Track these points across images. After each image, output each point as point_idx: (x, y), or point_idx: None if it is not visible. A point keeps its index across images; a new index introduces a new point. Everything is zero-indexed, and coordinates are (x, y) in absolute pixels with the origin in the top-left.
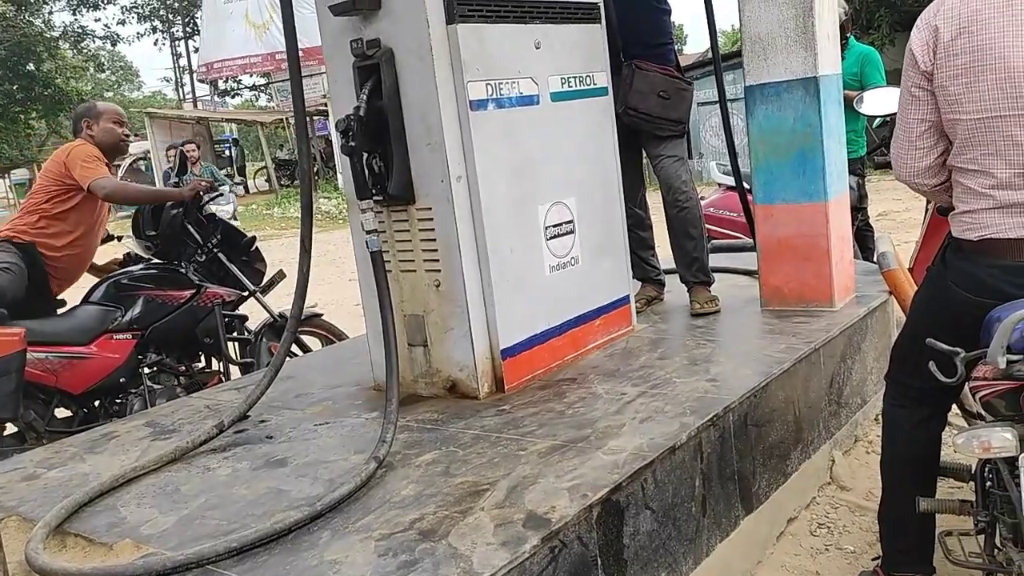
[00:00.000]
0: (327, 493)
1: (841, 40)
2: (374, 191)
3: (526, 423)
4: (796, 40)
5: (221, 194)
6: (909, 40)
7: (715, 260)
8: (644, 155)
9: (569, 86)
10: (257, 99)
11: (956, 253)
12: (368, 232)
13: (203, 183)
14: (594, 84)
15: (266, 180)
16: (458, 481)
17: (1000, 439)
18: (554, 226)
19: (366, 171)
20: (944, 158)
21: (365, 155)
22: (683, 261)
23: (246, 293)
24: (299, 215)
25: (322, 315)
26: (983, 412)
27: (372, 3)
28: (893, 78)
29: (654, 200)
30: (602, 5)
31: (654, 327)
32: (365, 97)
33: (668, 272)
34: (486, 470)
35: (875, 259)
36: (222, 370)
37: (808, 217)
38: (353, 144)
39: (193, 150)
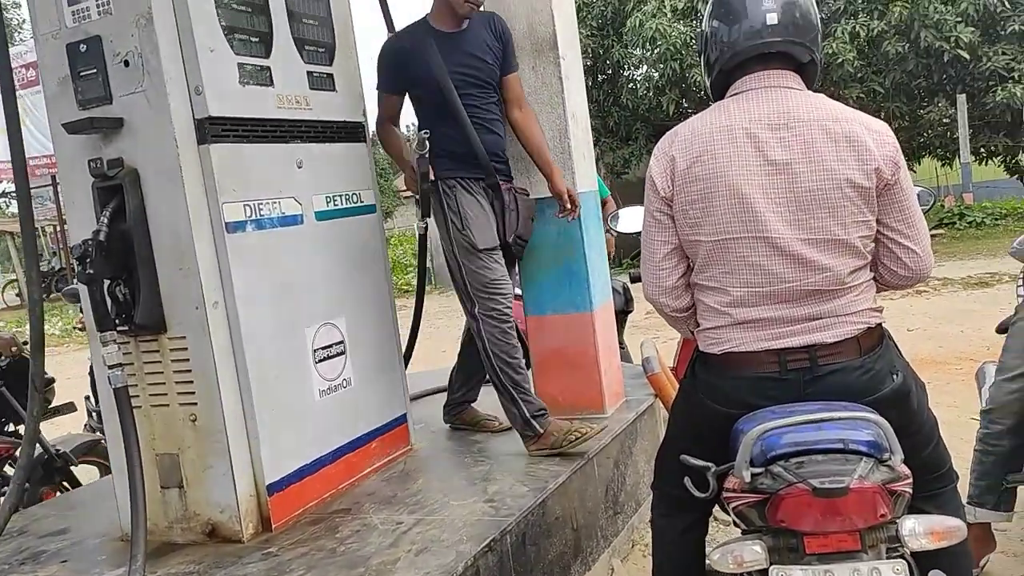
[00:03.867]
0: None
1: None
2: (118, 321)
3: (293, 567)
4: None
5: None
6: (649, 167)
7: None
8: None
9: (335, 204)
10: (8, 206)
11: (703, 366)
12: (111, 367)
13: None
14: (361, 202)
15: (16, 294)
16: None
17: (751, 553)
18: (323, 348)
19: (108, 300)
20: (687, 278)
21: (107, 283)
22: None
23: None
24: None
25: (100, 440)
26: (738, 522)
27: (112, 123)
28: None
29: None
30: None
31: (433, 444)
32: (107, 220)
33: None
34: None
35: (641, 364)
36: None
37: (576, 327)
38: (91, 272)
39: None
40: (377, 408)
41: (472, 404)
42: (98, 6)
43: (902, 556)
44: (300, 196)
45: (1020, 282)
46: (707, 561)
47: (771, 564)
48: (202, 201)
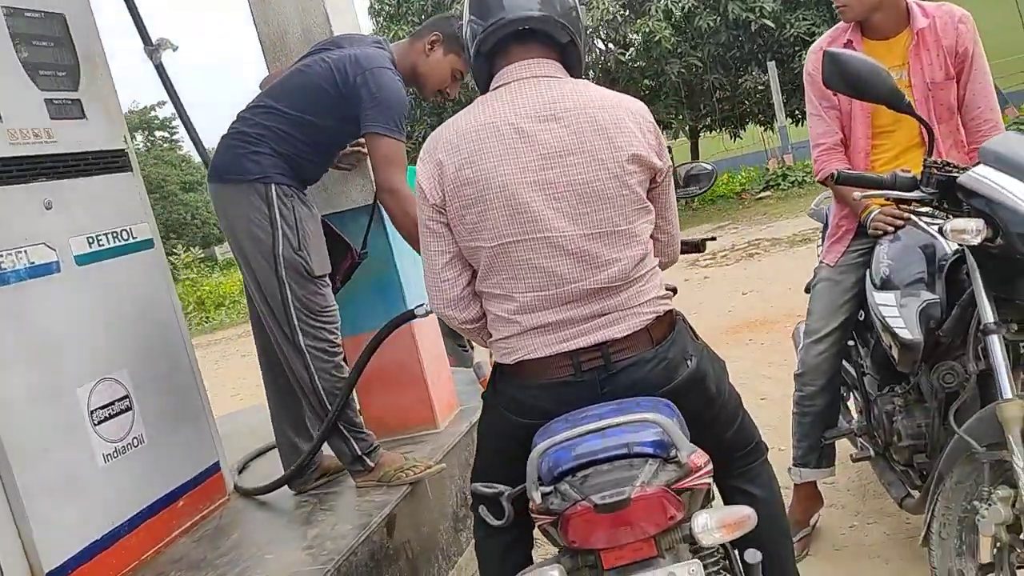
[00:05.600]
0: None
1: None
2: None
3: None
4: (358, 171)
5: None
6: (416, 174)
7: None
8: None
9: (100, 244)
10: None
11: (501, 378)
12: None
13: None
14: (134, 238)
15: None
16: None
17: None
18: (103, 407)
19: None
20: (472, 287)
21: None
22: None
23: None
24: None
25: None
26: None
27: None
28: None
29: None
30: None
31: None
32: None
33: None
34: None
35: (473, 368)
36: None
37: (396, 341)
38: None
39: None
40: (181, 462)
41: (318, 455)
42: None
43: (698, 553)
44: (53, 241)
45: (819, 242)
46: None
47: None
48: None
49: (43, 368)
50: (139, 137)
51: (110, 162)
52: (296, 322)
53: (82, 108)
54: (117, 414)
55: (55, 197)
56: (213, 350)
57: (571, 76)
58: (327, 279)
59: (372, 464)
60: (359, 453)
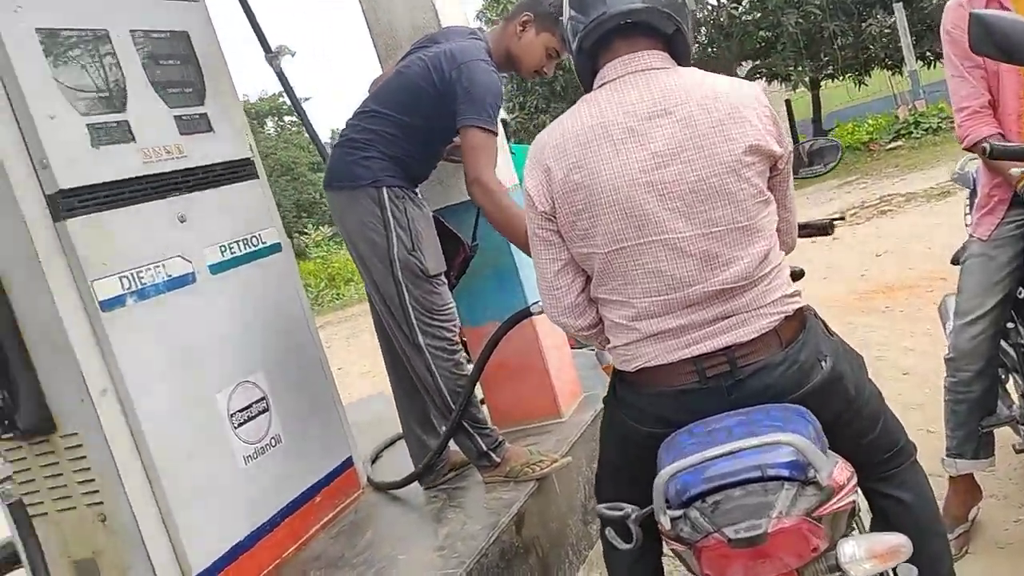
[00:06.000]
0: None
1: None
2: (1, 429)
3: None
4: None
5: None
6: (524, 181)
7: None
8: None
9: (232, 252)
10: None
11: (621, 384)
12: (0, 481)
13: None
14: (262, 243)
15: None
16: None
17: None
18: (242, 410)
19: None
20: (587, 293)
21: None
22: None
23: None
24: None
25: None
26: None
27: None
28: None
29: None
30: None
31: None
32: None
33: None
34: None
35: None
36: None
37: (517, 332)
38: None
39: None
40: (316, 459)
41: (446, 450)
42: None
43: None
44: (188, 253)
45: (966, 210)
46: None
47: None
48: (69, 283)
49: (185, 376)
50: (269, 123)
51: (237, 171)
52: (415, 322)
53: (209, 122)
54: (255, 416)
55: (188, 210)
56: (344, 327)
57: (679, 65)
58: (442, 278)
59: (498, 459)
60: (484, 449)
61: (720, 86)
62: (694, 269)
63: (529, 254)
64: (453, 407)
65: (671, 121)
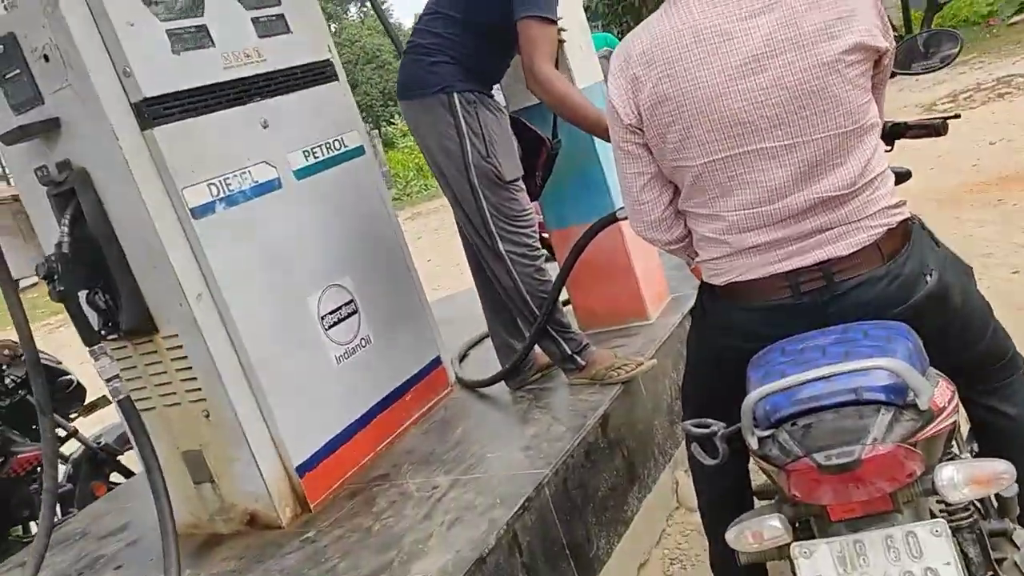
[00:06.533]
0: None
1: None
2: (104, 331)
3: (329, 554)
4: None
5: None
6: (607, 92)
7: None
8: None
9: (316, 157)
10: None
11: (710, 298)
12: (107, 380)
13: None
14: (345, 146)
15: None
16: None
17: (770, 529)
18: (332, 312)
19: (92, 311)
20: (674, 206)
21: (86, 293)
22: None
23: (64, 434)
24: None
25: None
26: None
27: (47, 125)
28: None
29: None
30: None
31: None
32: (67, 229)
33: None
34: None
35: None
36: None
37: (604, 233)
38: (62, 288)
39: None
40: (405, 359)
41: (531, 353)
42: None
43: (945, 510)
44: (272, 158)
45: None
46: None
47: (793, 539)
48: (159, 191)
49: (275, 281)
50: (353, 9)
51: (317, 74)
52: (494, 228)
53: (286, 23)
54: (345, 318)
55: (270, 115)
56: (433, 218)
57: None
58: (520, 183)
59: (583, 362)
60: (569, 352)
61: None
62: (791, 179)
63: (604, 137)
64: (536, 312)
65: (769, 20)
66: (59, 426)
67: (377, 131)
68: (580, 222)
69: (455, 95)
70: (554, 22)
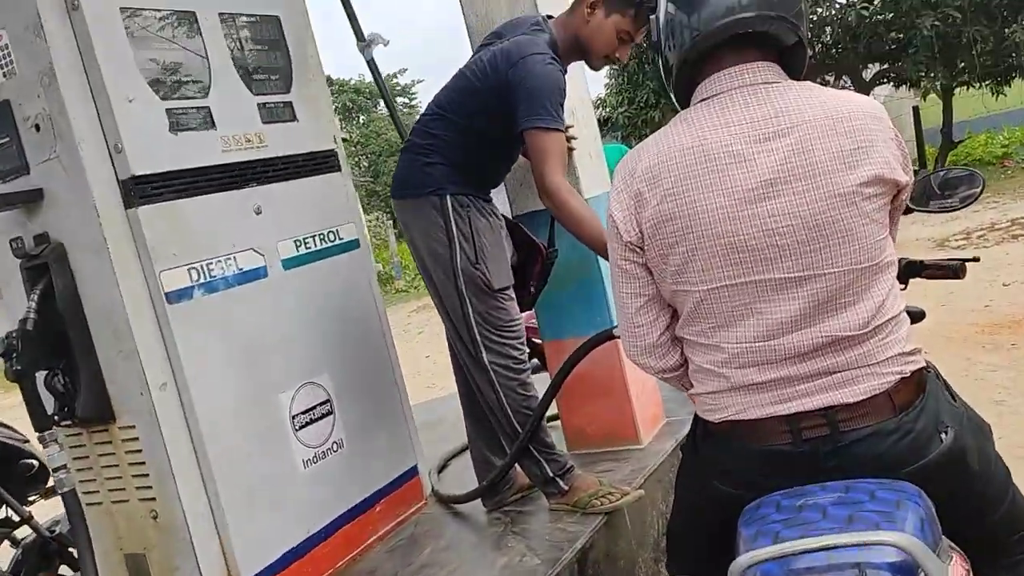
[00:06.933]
0: None
1: None
2: (58, 417)
3: None
4: None
5: None
6: (608, 205)
7: None
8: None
9: (307, 247)
10: None
11: (703, 435)
12: (55, 470)
13: None
14: (340, 239)
15: None
16: None
17: None
18: (305, 412)
19: (48, 394)
20: (671, 331)
21: (45, 375)
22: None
23: (17, 519)
24: None
25: None
26: None
27: (29, 195)
28: None
29: None
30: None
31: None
32: (35, 305)
33: None
34: None
35: None
36: None
37: (598, 349)
38: (18, 368)
39: None
40: (379, 467)
41: (511, 471)
42: (3, 67)
43: None
44: (261, 246)
45: None
46: None
47: None
48: (136, 272)
49: (248, 375)
50: (381, 103)
51: (320, 163)
52: (479, 337)
53: (293, 111)
54: (318, 419)
55: (264, 201)
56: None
57: (792, 80)
58: (510, 292)
59: (566, 487)
60: (551, 475)
61: (840, 102)
62: (799, 314)
63: (604, 255)
64: (518, 428)
65: (784, 144)
66: (14, 510)
67: (392, 221)
68: (576, 335)
69: (448, 197)
70: (561, 131)
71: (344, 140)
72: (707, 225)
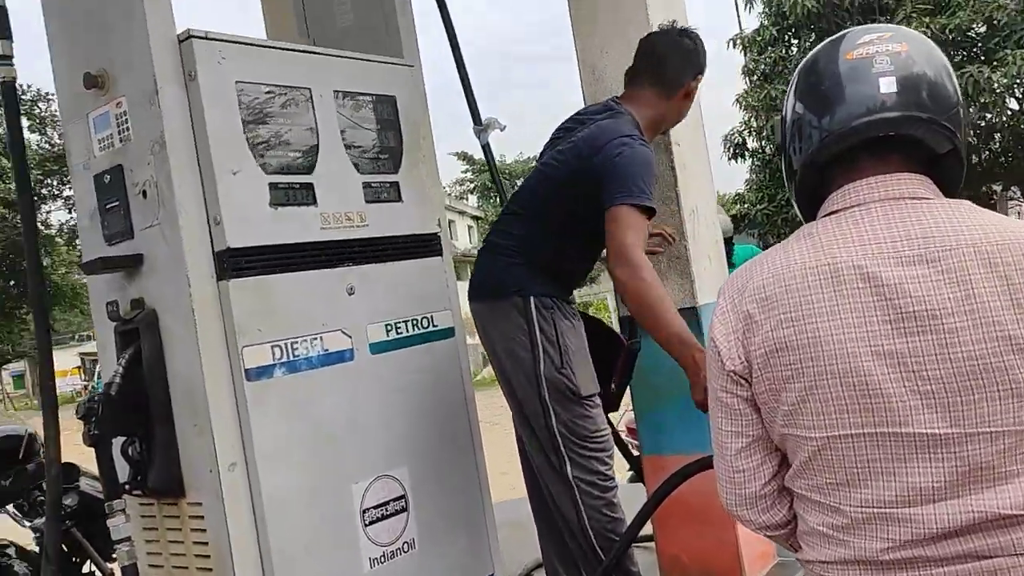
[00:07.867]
0: None
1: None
2: (129, 485)
3: None
4: (668, 265)
5: None
6: (710, 328)
7: None
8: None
9: (398, 333)
10: None
11: None
12: (118, 541)
13: None
14: (434, 326)
15: None
16: None
17: None
18: (377, 507)
19: (124, 460)
20: (779, 481)
21: (123, 441)
22: None
23: None
24: None
25: None
26: None
27: (130, 260)
28: None
29: None
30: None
31: None
32: (121, 371)
33: None
34: None
35: None
36: None
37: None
38: (96, 432)
39: None
40: (453, 572)
41: None
42: (120, 132)
43: None
44: (350, 328)
45: None
46: None
47: None
48: (219, 346)
49: (323, 462)
50: (518, 184)
51: (421, 246)
52: (563, 450)
53: (399, 191)
54: (390, 515)
55: (359, 282)
56: None
57: (945, 196)
58: (596, 399)
59: None
60: None
61: (1006, 229)
62: (944, 481)
63: (677, 357)
64: (600, 553)
65: (934, 272)
66: (97, 566)
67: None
68: (678, 452)
69: (531, 299)
70: (653, 208)
71: (478, 219)
72: (831, 360)
